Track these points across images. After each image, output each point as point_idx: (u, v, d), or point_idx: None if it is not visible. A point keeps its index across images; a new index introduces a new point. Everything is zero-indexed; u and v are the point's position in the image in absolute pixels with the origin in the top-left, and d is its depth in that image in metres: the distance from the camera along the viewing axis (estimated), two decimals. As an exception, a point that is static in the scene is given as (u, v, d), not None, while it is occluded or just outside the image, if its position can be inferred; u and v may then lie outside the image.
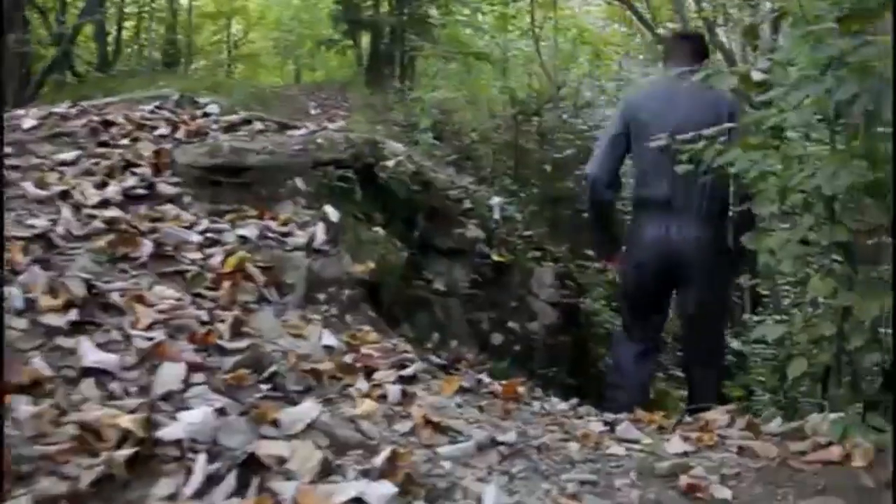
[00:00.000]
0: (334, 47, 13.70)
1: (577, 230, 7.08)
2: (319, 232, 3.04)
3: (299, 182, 3.29)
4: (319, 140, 3.36)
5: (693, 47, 3.80)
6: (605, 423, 2.58)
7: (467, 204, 4.82)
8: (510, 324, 4.32)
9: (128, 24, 16.17)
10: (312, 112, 11.32)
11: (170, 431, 1.82)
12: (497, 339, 4.19)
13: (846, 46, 2.52)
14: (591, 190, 3.88)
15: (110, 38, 14.22)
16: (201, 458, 1.75)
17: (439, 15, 11.25)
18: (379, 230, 3.28)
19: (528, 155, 8.11)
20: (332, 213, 3.13)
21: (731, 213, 3.64)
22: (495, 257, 4.54)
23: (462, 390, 2.56)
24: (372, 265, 2.99)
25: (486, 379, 2.84)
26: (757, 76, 3.30)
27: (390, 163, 3.80)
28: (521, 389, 2.76)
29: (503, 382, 2.79)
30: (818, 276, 2.99)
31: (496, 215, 4.94)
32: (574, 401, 2.93)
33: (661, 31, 9.07)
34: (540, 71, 8.26)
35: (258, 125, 3.93)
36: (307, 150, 3.32)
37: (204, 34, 18.67)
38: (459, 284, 4.13)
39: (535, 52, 8.31)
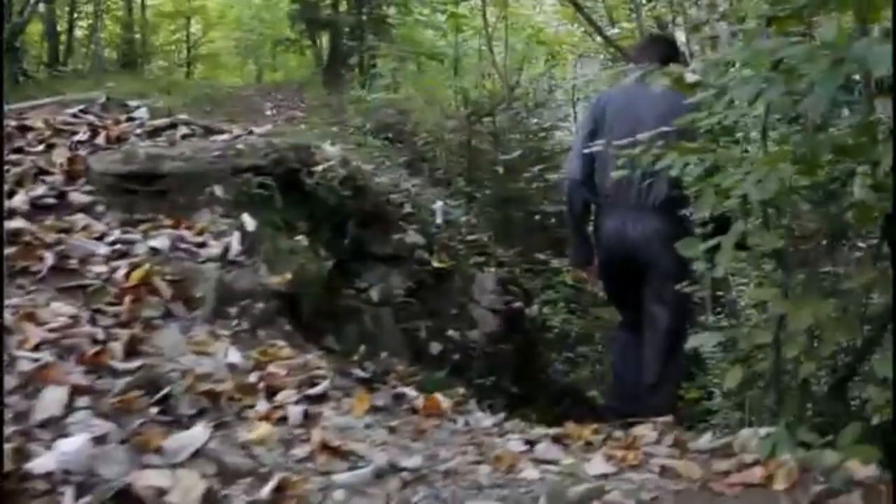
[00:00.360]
0: (292, 47, 13.53)
1: (530, 232, 7.00)
2: (235, 242, 2.92)
3: (217, 190, 3.16)
4: (239, 146, 3.24)
5: (662, 50, 3.75)
6: (526, 442, 2.47)
7: (408, 208, 4.71)
8: (449, 332, 4.22)
9: (83, 22, 15.89)
10: (268, 113, 11.15)
11: (41, 462, 1.70)
12: (435, 347, 4.08)
13: (774, 46, 2.45)
14: (567, 192, 3.88)
15: (63, 37, 13.94)
16: (69, 492, 1.63)
17: (398, 14, 11.14)
18: (301, 239, 3.16)
19: (482, 156, 8.01)
20: (249, 222, 3.00)
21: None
22: (435, 263, 4.44)
23: (375, 409, 2.44)
24: (289, 276, 2.87)
25: (411, 393, 2.72)
26: (691, 77, 3.23)
27: (319, 168, 3.67)
28: (444, 405, 2.65)
29: (427, 396, 2.68)
30: (755, 283, 2.92)
31: (438, 219, 4.84)
32: (501, 416, 2.82)
33: (614, 31, 9.03)
34: (494, 71, 8.17)
35: (183, 130, 3.79)
36: (226, 157, 3.19)
37: (163, 34, 18.42)
38: (396, 292, 4.01)
39: (487, 51, 8.22)
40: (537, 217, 6.85)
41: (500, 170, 7.14)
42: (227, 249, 2.86)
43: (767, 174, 2.45)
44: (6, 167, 3.25)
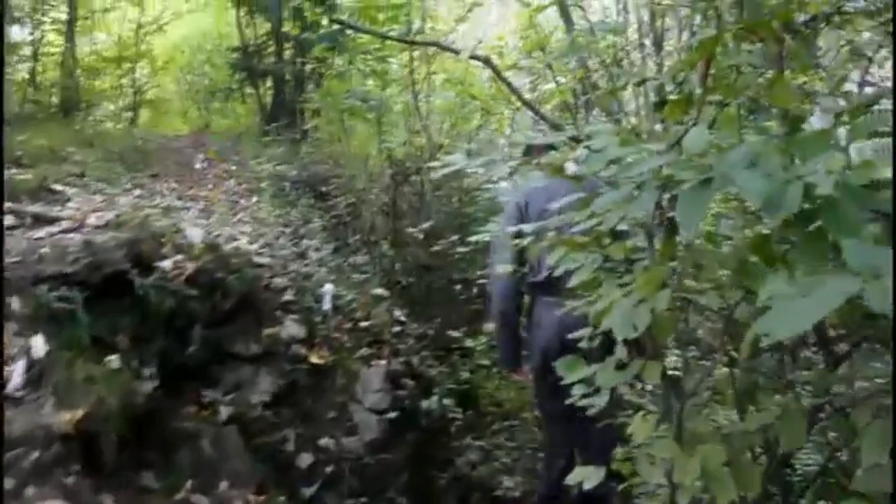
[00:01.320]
0: (232, 96, 13.06)
1: (451, 300, 6.54)
2: (16, 374, 2.41)
3: (15, 302, 2.66)
4: (44, 249, 2.73)
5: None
6: None
7: (291, 294, 4.23)
8: (324, 440, 3.71)
9: (22, 65, 15.30)
10: (198, 166, 10.66)
11: None
12: (305, 460, 3.58)
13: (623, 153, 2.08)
14: (498, 290, 3.66)
15: (-5, 84, 13.33)
16: None
17: (335, 66, 10.71)
18: (112, 360, 2.66)
19: (407, 217, 7.56)
20: (38, 346, 2.50)
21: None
22: (314, 359, 3.95)
23: None
24: (80, 413, 2.37)
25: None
26: (571, 168, 2.88)
27: (166, 263, 3.18)
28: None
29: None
30: (640, 416, 2.58)
31: (325, 305, 4.36)
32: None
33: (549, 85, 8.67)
34: (421, 128, 7.75)
35: (9, 220, 3.29)
36: (27, 262, 2.69)
37: (109, 78, 17.84)
38: (257, 400, 3.52)
39: (413, 107, 7.80)
40: (458, 287, 6.39)
41: (420, 235, 6.67)
42: (4, 383, 2.35)
43: (637, 307, 2.07)
44: None
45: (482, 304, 6.07)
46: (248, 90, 14.08)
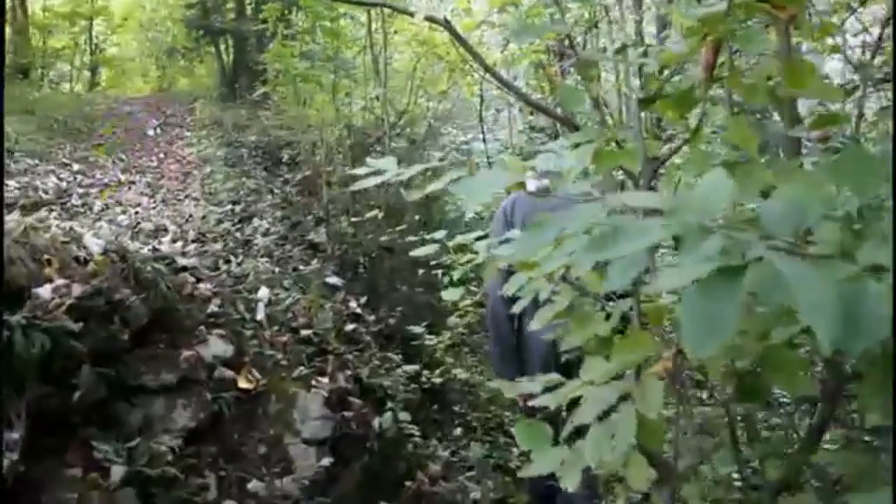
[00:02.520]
0: (188, 57, 12.22)
1: (412, 288, 5.92)
2: None
3: None
4: None
5: None
6: None
7: (216, 304, 3.58)
8: (253, 483, 3.10)
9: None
10: (149, 132, 9.91)
11: None
12: (229, 510, 2.97)
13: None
14: (491, 307, 3.32)
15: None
16: None
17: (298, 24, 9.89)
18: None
19: (367, 194, 6.90)
20: None
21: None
22: (242, 383, 3.32)
23: None
24: None
25: None
26: (531, 186, 2.30)
27: (45, 290, 2.52)
28: None
29: None
30: None
31: (259, 315, 3.72)
32: None
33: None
34: (380, 94, 7.04)
35: None
36: None
37: (65, 37, 16.88)
38: (168, 441, 2.89)
39: (373, 72, 7.08)
40: (421, 271, 5.76)
41: (380, 214, 6.01)
42: None
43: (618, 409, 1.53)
44: None
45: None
46: (210, 49, 13.24)
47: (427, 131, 7.51)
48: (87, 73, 16.66)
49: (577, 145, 2.12)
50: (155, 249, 3.83)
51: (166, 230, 4.70)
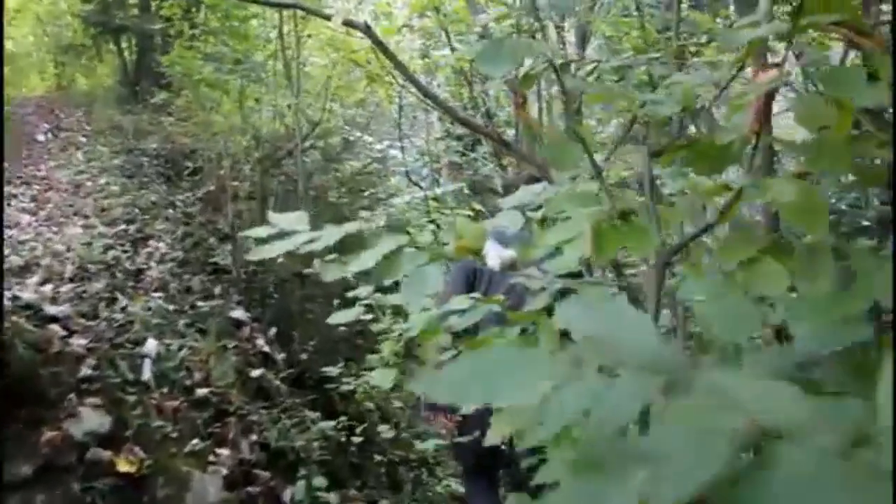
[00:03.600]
0: (87, 55, 11.26)
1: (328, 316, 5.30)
2: None
3: None
4: None
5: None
6: None
7: (89, 367, 2.92)
8: None
9: None
10: (41, 138, 8.99)
11: None
12: None
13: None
14: None
15: None
16: None
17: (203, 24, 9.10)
18: None
19: (278, 209, 6.26)
20: None
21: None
22: (122, 467, 2.69)
23: None
24: None
25: None
26: (494, 259, 1.85)
27: None
28: None
29: None
30: None
31: (145, 374, 3.07)
32: None
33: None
34: (293, 101, 6.39)
35: None
36: None
37: (-48, 30, 15.42)
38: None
39: (284, 78, 6.43)
40: (337, 301, 5.16)
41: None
42: None
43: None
44: None
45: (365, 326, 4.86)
46: (112, 47, 12.25)
47: (343, 143, 6.89)
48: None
49: (550, 220, 1.65)
50: (15, 297, 3.14)
51: (38, 265, 3.97)
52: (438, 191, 10.28)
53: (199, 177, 7.35)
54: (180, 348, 3.47)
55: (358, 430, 3.72)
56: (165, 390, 3.11)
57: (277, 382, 4.14)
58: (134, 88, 10.95)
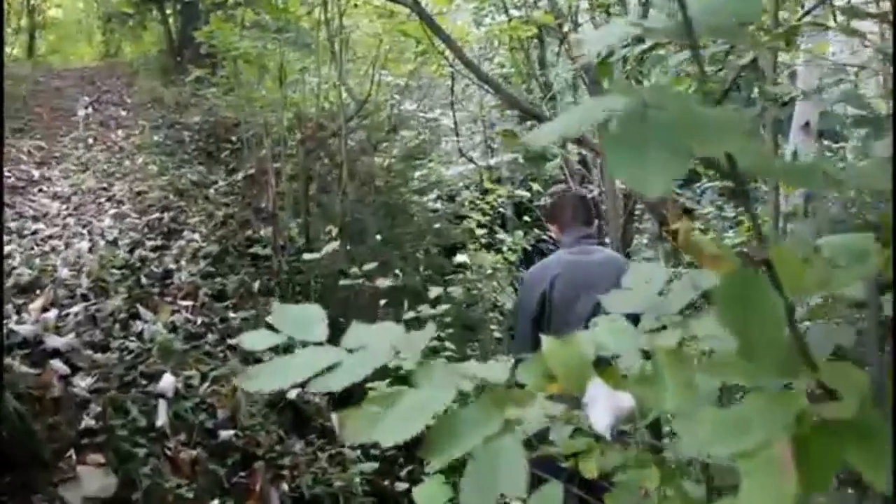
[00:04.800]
0: (129, 23, 10.84)
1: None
2: None
3: None
4: None
5: (587, 211, 3.26)
6: None
7: (91, 416, 2.47)
8: None
9: None
10: (80, 113, 8.59)
11: None
12: None
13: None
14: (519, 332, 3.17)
15: None
16: None
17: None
18: None
19: (324, 193, 5.78)
20: None
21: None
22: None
23: None
24: None
25: None
26: (602, 415, 1.17)
27: None
28: None
29: None
30: None
31: (160, 419, 2.62)
32: None
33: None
34: (337, 78, 5.86)
35: None
36: None
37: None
38: None
39: (328, 50, 5.89)
40: (384, 301, 4.68)
41: (334, 230, 4.90)
42: None
43: None
44: None
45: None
46: (156, 14, 11.80)
47: (393, 119, 6.35)
48: (25, 38, 15.15)
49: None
50: (11, 333, 2.69)
51: (52, 278, 3.51)
52: (492, 161, 9.72)
53: (243, 153, 6.87)
54: (203, 379, 3.01)
55: (403, 474, 3.23)
56: (183, 437, 2.66)
57: (317, 400, 3.67)
58: (177, 59, 10.51)
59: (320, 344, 1.15)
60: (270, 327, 1.31)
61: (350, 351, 1.12)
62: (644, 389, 1.06)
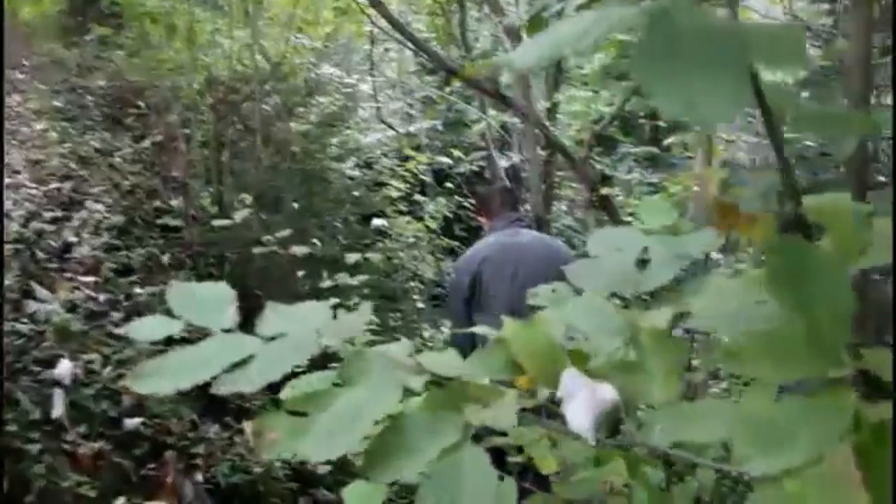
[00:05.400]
0: (26, -20, 10.08)
1: (292, 296, 4.58)
2: None
3: None
4: None
5: (513, 198, 3.45)
6: None
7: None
8: None
9: None
10: (-28, 76, 7.97)
11: None
12: None
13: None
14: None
15: None
16: None
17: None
18: None
19: (238, 161, 5.46)
20: None
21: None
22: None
23: None
24: None
25: None
26: (580, 411, 0.88)
27: None
28: None
29: None
30: None
31: (56, 410, 2.35)
32: None
33: None
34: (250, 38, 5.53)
35: None
36: None
37: None
38: None
39: (243, 12, 5.55)
40: (302, 273, 4.44)
41: (248, 198, 4.62)
42: None
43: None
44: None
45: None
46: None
47: (310, 83, 6.05)
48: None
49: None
50: None
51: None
52: (412, 128, 9.49)
53: (150, 119, 6.46)
54: (106, 363, 2.73)
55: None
56: (83, 428, 2.38)
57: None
58: (78, 18, 9.87)
59: (228, 331, 0.93)
60: (249, 314, 1.08)
61: (267, 340, 0.91)
62: (626, 379, 0.88)
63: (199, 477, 2.55)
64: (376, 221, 5.68)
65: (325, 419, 0.79)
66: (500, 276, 3.06)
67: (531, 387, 0.87)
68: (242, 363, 0.88)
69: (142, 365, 0.94)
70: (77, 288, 3.33)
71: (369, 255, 4.26)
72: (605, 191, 3.85)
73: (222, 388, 0.85)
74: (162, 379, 0.91)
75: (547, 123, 5.26)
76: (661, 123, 10.85)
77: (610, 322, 0.95)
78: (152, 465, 2.47)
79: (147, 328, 1.01)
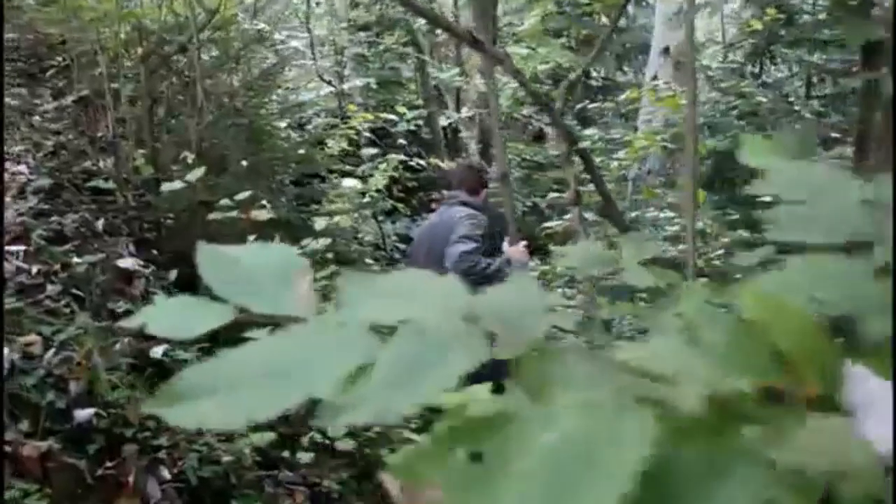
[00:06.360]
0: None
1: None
2: None
3: None
4: None
5: (472, 178, 3.63)
6: None
7: None
8: None
9: None
10: None
11: None
12: None
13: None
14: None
15: None
16: None
17: None
18: None
19: (180, 112, 4.99)
20: None
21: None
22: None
23: None
24: None
25: None
26: None
27: None
28: None
29: None
30: None
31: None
32: None
33: None
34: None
35: None
36: None
37: None
38: None
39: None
40: (254, 237, 4.04)
41: (190, 156, 4.19)
42: None
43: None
44: None
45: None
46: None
47: (245, 36, 5.56)
48: None
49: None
50: None
51: None
52: (345, 86, 9.08)
53: (72, 74, 5.89)
54: (48, 345, 2.33)
55: (306, 441, 2.67)
56: (26, 425, 2.00)
57: (189, 356, 3.05)
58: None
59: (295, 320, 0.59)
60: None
61: (379, 333, 0.57)
62: None
63: (166, 473, 2.20)
64: (347, 182, 5.33)
65: (536, 470, 0.46)
66: (417, 253, 3.48)
67: (803, 391, 0.56)
68: (355, 376, 0.54)
69: (176, 380, 0.56)
70: (5, 258, 2.89)
71: (337, 218, 3.92)
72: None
73: (329, 421, 0.52)
74: (215, 406, 0.54)
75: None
76: (592, 82, 10.68)
77: (861, 289, 0.64)
78: (110, 464, 2.10)
79: (173, 319, 0.63)
